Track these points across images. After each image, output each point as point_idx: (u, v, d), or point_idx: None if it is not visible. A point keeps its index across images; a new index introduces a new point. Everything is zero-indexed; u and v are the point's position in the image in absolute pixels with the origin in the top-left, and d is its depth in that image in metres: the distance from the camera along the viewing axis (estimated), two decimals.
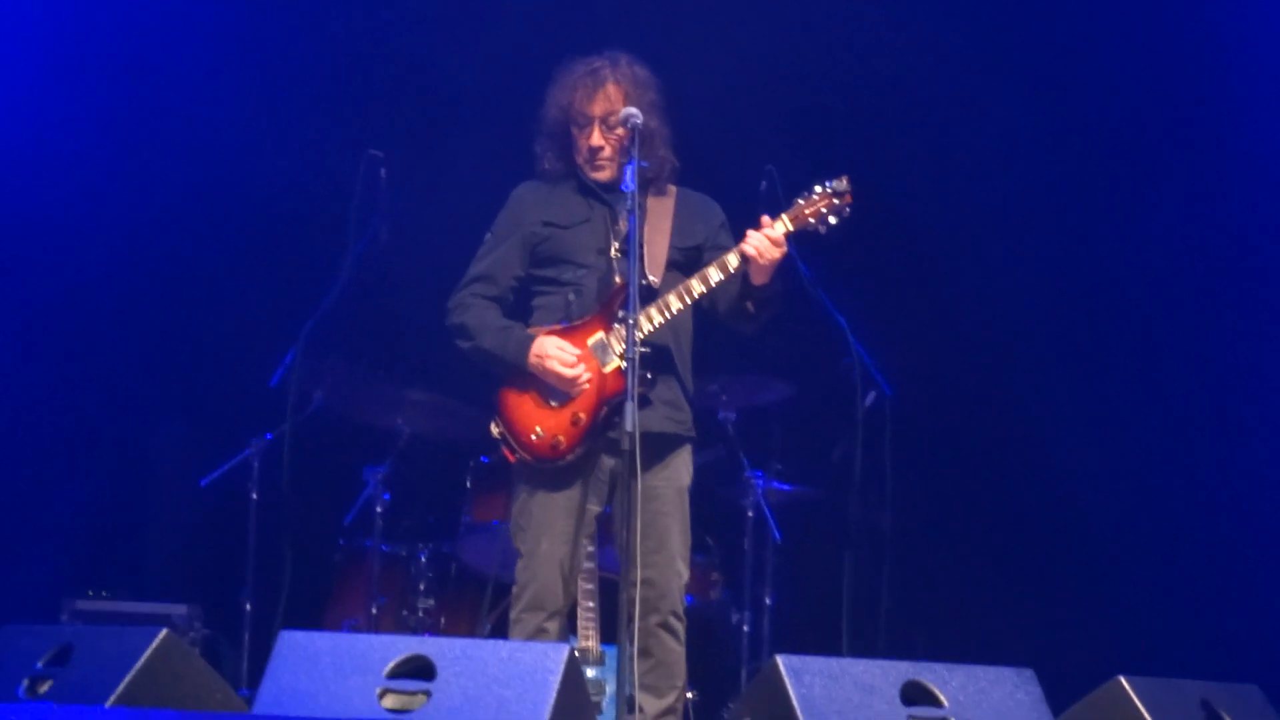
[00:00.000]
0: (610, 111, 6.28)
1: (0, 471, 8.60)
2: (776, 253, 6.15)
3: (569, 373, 6.17)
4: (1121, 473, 8.76)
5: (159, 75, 8.81)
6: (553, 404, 6.22)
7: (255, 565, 8.07)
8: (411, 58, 8.96)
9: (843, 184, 6.22)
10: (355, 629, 8.20)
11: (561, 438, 6.19)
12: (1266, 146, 8.50)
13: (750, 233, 6.16)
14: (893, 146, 8.86)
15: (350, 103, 8.94)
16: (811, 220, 6.19)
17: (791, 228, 6.17)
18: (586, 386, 6.18)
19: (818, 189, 6.23)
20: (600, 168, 6.36)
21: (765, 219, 6.19)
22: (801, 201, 6.22)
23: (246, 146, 8.80)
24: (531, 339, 6.24)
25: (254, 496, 8.15)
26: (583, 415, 6.18)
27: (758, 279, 6.21)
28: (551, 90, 6.45)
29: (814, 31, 8.90)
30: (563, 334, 6.25)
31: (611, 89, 6.31)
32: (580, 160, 6.39)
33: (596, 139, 6.32)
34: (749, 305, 6.28)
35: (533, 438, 6.22)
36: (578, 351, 6.20)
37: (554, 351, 6.19)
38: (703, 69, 8.30)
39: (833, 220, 6.20)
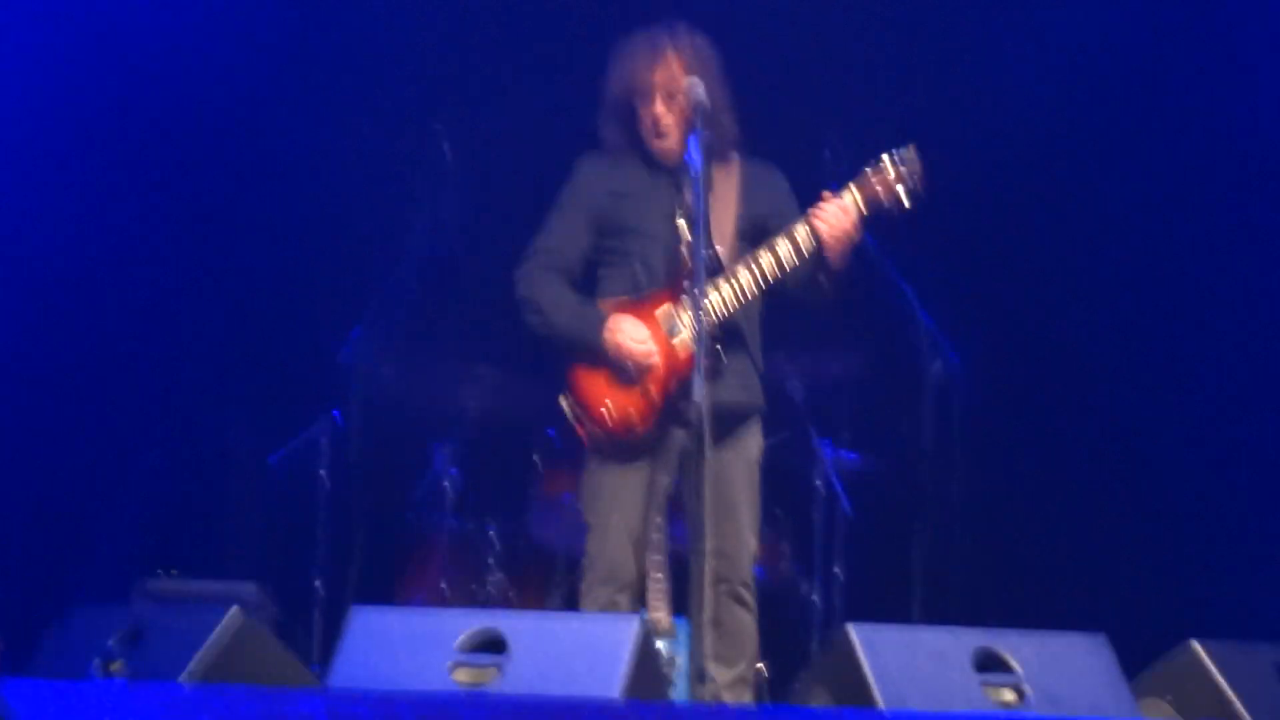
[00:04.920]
0: (671, 80, 6.23)
1: (71, 452, 8.64)
2: (848, 222, 6.09)
3: (640, 349, 6.13)
4: (1191, 435, 8.67)
5: (221, 51, 8.82)
6: (624, 380, 6.18)
7: (325, 543, 8.08)
8: (474, 30, 8.95)
9: (910, 152, 6.17)
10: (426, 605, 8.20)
11: (633, 412, 6.16)
12: None
13: (823, 207, 6.10)
14: (955, 105, 8.77)
15: (413, 78, 8.93)
16: (880, 192, 6.13)
17: (860, 198, 6.12)
18: (656, 361, 6.17)
19: (885, 158, 6.17)
20: (664, 137, 6.29)
21: (827, 194, 6.15)
22: (869, 171, 6.17)
23: (312, 125, 8.82)
24: (604, 317, 6.20)
25: (323, 474, 8.15)
26: (653, 390, 6.15)
27: (832, 254, 6.15)
28: (611, 64, 6.42)
29: None
30: (631, 306, 6.22)
31: (671, 58, 6.25)
32: (645, 132, 6.34)
33: (660, 109, 6.27)
34: (822, 278, 6.22)
35: (604, 413, 6.18)
36: (648, 332, 6.17)
37: (627, 328, 6.15)
38: (762, 34, 8.26)
39: (904, 197, 6.13)
